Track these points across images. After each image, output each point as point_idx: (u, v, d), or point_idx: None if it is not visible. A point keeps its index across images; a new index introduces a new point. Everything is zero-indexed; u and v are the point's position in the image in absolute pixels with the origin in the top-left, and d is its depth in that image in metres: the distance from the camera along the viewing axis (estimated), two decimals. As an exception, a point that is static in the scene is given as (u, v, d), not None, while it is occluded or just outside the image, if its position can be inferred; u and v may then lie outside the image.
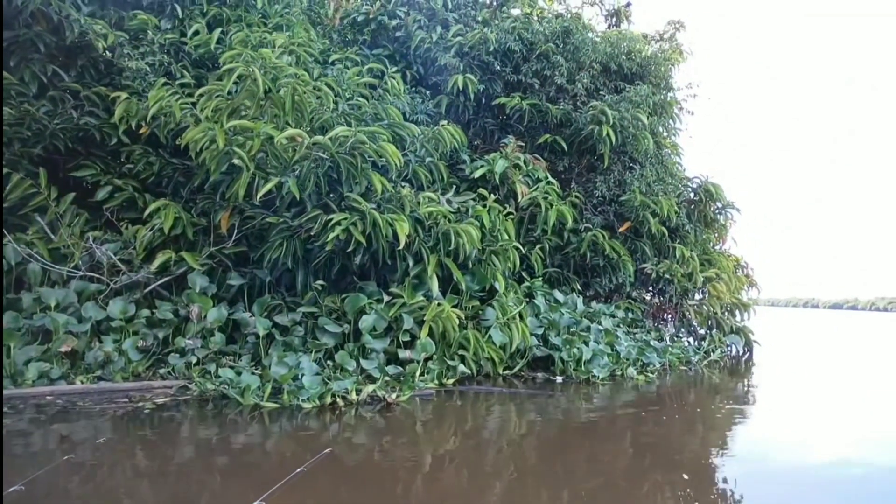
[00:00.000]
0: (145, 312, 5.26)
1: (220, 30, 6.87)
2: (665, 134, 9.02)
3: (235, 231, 5.88)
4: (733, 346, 9.02)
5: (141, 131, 6.22)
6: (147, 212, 5.85)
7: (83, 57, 6.53)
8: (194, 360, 5.07)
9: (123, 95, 6.08)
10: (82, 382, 4.67)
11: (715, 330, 8.74)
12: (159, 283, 5.57)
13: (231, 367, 4.93)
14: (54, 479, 2.82)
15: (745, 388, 6.62)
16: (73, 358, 4.90)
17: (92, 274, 5.45)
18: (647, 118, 7.92)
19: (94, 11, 6.61)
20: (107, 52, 6.43)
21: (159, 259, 5.55)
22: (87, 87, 6.44)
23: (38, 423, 3.85)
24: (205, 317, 5.28)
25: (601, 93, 8.21)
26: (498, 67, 8.14)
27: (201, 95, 5.77)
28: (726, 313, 8.98)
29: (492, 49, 8.03)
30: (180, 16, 7.02)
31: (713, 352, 8.26)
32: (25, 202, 5.74)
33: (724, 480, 3.16)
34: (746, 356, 8.98)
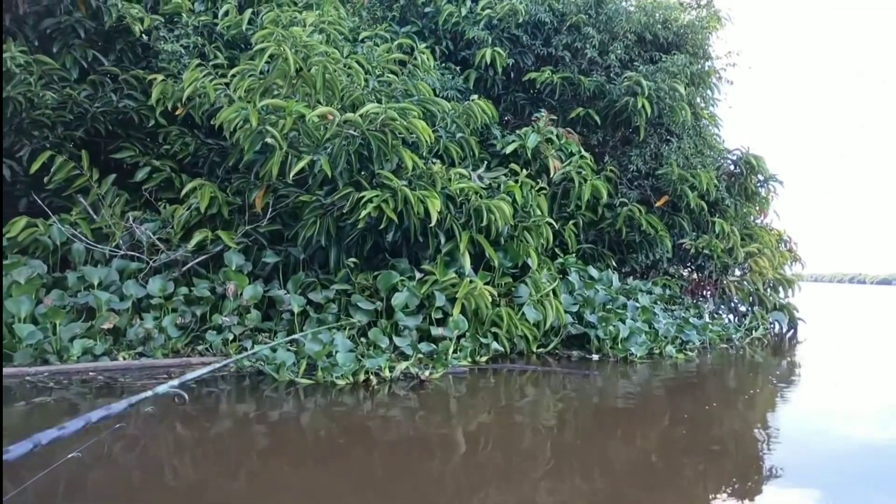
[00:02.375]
0: (183, 290, 5.38)
1: (250, 10, 6.89)
2: (703, 105, 8.72)
3: (270, 210, 5.95)
4: (776, 324, 8.76)
5: (177, 113, 6.33)
6: (184, 192, 5.96)
7: (121, 41, 6.66)
8: (231, 336, 5.18)
9: (159, 78, 6.17)
10: (124, 358, 4.82)
11: (757, 307, 8.49)
12: (197, 261, 5.69)
13: (266, 344, 5.02)
14: (106, 447, 2.93)
15: (791, 367, 6.43)
16: (116, 335, 5.06)
17: (132, 253, 5.61)
18: (685, 89, 7.65)
19: (130, -4, 6.71)
20: (143, 36, 6.54)
21: (196, 238, 5.66)
22: (125, 71, 6.57)
23: (84, 396, 4.00)
24: (241, 294, 5.38)
25: (635, 64, 7.96)
26: (528, 41, 7.96)
27: (234, 76, 5.82)
28: (769, 289, 8.70)
29: (521, 21, 7.84)
30: (212, -3, 7.07)
31: (755, 329, 8.03)
32: (69, 184, 5.92)
33: (772, 468, 3.06)
34: (791, 334, 8.71)
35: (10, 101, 5.80)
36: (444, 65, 7.71)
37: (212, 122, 5.98)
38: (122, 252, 5.58)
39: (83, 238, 5.53)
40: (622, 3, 8.39)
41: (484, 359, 5.57)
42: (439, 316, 5.54)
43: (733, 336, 7.58)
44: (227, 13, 6.84)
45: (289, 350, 4.87)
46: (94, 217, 5.85)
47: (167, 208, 6.03)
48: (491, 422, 3.90)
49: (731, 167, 8.32)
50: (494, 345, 5.68)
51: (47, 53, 6.23)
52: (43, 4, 6.25)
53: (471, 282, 5.60)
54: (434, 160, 6.06)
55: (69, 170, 5.86)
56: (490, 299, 5.69)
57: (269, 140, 5.45)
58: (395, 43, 7.04)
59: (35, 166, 5.77)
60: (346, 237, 5.63)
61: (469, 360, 5.43)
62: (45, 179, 5.82)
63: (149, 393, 3.13)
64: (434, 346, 5.31)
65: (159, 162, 6.41)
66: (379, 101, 5.86)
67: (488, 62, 7.59)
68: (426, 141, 5.65)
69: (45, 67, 6.10)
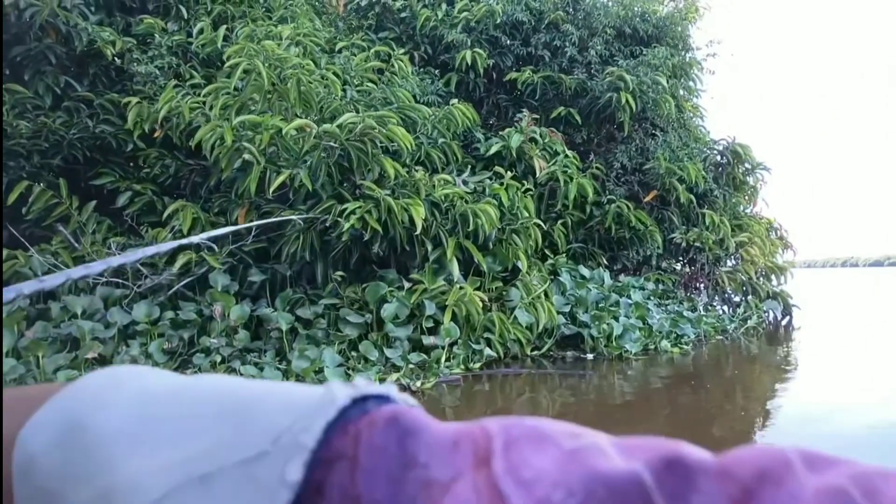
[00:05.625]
0: (170, 314, 5.30)
1: (225, 27, 6.83)
2: (686, 97, 8.69)
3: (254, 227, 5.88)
4: (771, 312, 8.71)
5: (155, 135, 6.25)
6: (166, 214, 5.89)
7: (94, 65, 6.58)
8: (219, 358, 5.10)
9: (134, 100, 6.10)
10: (112, 386, 4.73)
11: (751, 296, 8.44)
12: (182, 284, 5.60)
13: (255, 364, 4.94)
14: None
15: (786, 355, 6.39)
16: (102, 363, 4.97)
17: (116, 279, 5.51)
18: (667, 81, 7.62)
19: (101, 19, 6.65)
20: (116, 59, 6.47)
21: (181, 260, 5.57)
22: (100, 96, 6.48)
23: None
24: (228, 315, 5.30)
25: (616, 59, 7.93)
26: (507, 41, 7.92)
27: (209, 93, 5.75)
28: (761, 278, 8.66)
29: (499, 22, 7.81)
30: (186, 16, 7.01)
31: (750, 319, 8.00)
32: (48, 213, 5.83)
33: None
34: (786, 321, 8.68)
35: (-17, 133, 5.73)
36: (423, 70, 7.66)
37: (190, 143, 5.91)
38: (105, 279, 5.49)
39: (64, 267, 5.44)
40: (599, -2, 8.36)
41: (477, 365, 5.50)
42: (430, 325, 5.47)
43: (728, 327, 7.53)
44: (201, 31, 6.78)
45: (277, 369, 4.80)
46: (76, 245, 5.76)
47: (150, 232, 5.95)
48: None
49: (718, 158, 8.30)
50: (487, 350, 5.61)
51: (19, 82, 6.15)
52: (11, 32, 6.17)
53: (460, 288, 5.53)
54: (416, 167, 6.00)
55: (47, 199, 5.78)
56: (481, 305, 5.62)
57: (246, 157, 5.38)
58: (373, 51, 6.99)
59: (12, 197, 5.68)
60: (332, 251, 5.56)
61: (462, 367, 5.36)
62: (24, 210, 5.74)
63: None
64: (426, 356, 5.24)
65: (140, 186, 6.32)
66: (357, 111, 5.81)
67: (469, 64, 7.55)
68: (407, 148, 5.59)
69: (17, 96, 6.03)
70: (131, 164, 6.60)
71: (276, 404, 0.20)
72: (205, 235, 1.86)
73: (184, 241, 1.72)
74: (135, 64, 6.40)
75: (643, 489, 0.16)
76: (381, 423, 0.20)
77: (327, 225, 5.37)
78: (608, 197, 7.53)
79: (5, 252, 5.37)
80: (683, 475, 0.16)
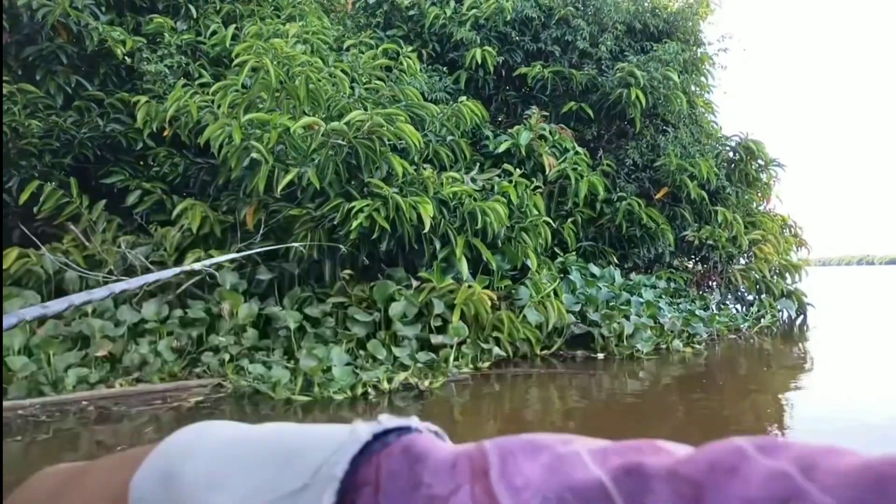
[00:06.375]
0: (178, 312, 5.31)
1: (234, 26, 6.84)
2: (698, 92, 8.57)
3: (262, 226, 5.88)
4: (785, 311, 8.59)
5: (164, 134, 6.27)
6: (175, 213, 5.90)
7: (104, 65, 6.61)
8: (227, 357, 5.10)
9: (144, 99, 6.12)
10: (121, 385, 4.75)
11: (764, 294, 8.32)
12: (191, 282, 5.61)
13: (263, 363, 4.94)
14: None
15: (802, 355, 6.29)
16: (112, 361, 4.99)
17: (126, 278, 5.53)
18: (678, 77, 7.52)
19: (112, 19, 6.68)
20: (126, 58, 6.50)
21: (189, 259, 5.59)
22: (110, 95, 6.52)
23: (83, 424, 3.94)
24: (236, 313, 5.30)
25: (626, 54, 7.84)
26: (517, 37, 7.86)
27: (216, 91, 5.76)
28: (775, 276, 8.54)
29: (508, 18, 7.75)
30: (195, 16, 7.03)
31: (763, 317, 7.88)
32: (59, 212, 5.87)
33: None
34: (801, 320, 8.55)
35: (-6, 132, 5.77)
36: (431, 67, 7.63)
37: (199, 141, 5.92)
38: (115, 277, 5.52)
39: (75, 266, 5.47)
40: (609, -8, 8.26)
41: (486, 364, 5.46)
42: (438, 324, 5.44)
43: (741, 326, 7.43)
44: (214, 32, 6.79)
45: (285, 367, 4.79)
46: (87, 244, 5.80)
47: (159, 230, 5.97)
48: (495, 430, 3.80)
49: (731, 154, 8.18)
50: (496, 350, 5.57)
51: (31, 82, 6.20)
52: (24, 33, 6.22)
53: (469, 287, 5.49)
54: (425, 165, 5.97)
55: (58, 198, 5.82)
56: (489, 303, 5.58)
57: (254, 155, 5.38)
58: (381, 48, 6.96)
59: (24, 196, 5.73)
60: (340, 249, 5.54)
61: (471, 366, 5.32)
62: (35, 209, 5.78)
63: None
64: (434, 355, 5.21)
65: (149, 184, 6.35)
66: (365, 109, 5.78)
67: (479, 62, 7.49)
68: (415, 146, 5.56)
69: (29, 96, 6.07)
70: (141, 162, 6.63)
71: (315, 444, 0.25)
72: (207, 262, 1.92)
73: (185, 266, 1.78)
74: (144, 63, 6.43)
75: (605, 492, 0.19)
76: (397, 452, 0.24)
77: (335, 223, 5.35)
78: (619, 194, 7.45)
79: (17, 251, 5.41)
80: (638, 478, 0.19)
